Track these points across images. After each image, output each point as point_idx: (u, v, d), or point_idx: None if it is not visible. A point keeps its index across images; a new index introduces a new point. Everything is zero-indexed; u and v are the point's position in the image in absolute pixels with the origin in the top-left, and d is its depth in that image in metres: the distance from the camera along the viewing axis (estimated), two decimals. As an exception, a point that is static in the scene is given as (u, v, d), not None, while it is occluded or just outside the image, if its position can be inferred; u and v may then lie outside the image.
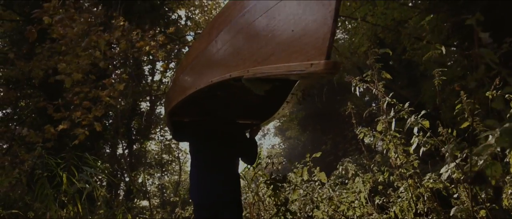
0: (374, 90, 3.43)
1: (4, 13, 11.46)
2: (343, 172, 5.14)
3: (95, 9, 11.94)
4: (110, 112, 13.37)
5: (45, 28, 6.40)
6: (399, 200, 3.79)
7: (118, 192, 15.87)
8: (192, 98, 2.66)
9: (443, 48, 3.40)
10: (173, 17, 15.93)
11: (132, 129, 17.54)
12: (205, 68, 2.66)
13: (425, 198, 3.37)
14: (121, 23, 6.26)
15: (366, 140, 3.77)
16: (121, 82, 6.28)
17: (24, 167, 5.17)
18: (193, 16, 16.80)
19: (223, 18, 2.55)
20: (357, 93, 3.48)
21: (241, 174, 4.49)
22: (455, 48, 11.50)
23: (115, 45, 6.85)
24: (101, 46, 5.85)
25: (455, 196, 3.31)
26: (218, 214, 2.90)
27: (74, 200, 4.42)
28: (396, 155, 3.41)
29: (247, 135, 3.41)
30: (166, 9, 15.00)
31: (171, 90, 3.57)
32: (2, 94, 8.57)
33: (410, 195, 3.51)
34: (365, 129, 3.69)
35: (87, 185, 4.37)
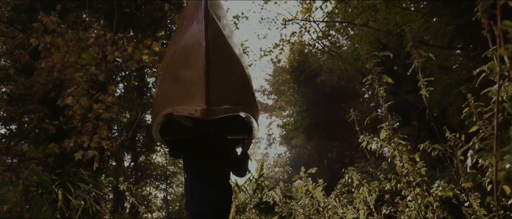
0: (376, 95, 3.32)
1: (7, 30, 11.53)
2: (350, 180, 5.01)
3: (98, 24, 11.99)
4: (115, 126, 13.33)
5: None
6: (407, 209, 3.64)
7: (125, 205, 15.76)
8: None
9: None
10: (175, 28, 15.93)
11: (137, 141, 17.49)
12: (162, 95, 3.05)
13: (434, 207, 3.23)
14: (102, 32, 6.20)
15: (373, 146, 3.65)
16: (110, 95, 6.21)
17: (20, 183, 5.12)
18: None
19: (165, 58, 2.97)
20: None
21: (242, 186, 4.45)
22: (459, 51, 11.37)
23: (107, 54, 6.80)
24: (88, 61, 5.79)
25: (467, 204, 3.17)
26: None
27: (71, 217, 4.35)
28: (402, 163, 3.28)
29: (240, 148, 3.63)
30: (168, 21, 15.03)
31: (154, 103, 3.74)
32: (2, 110, 8.55)
33: (418, 204, 3.36)
34: (368, 137, 3.57)
35: (82, 202, 4.31)
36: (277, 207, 4.00)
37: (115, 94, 6.85)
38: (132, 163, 18.11)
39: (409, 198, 3.57)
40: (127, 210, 15.03)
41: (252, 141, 3.67)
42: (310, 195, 4.73)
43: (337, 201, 5.59)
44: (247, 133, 3.57)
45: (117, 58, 6.70)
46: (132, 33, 6.58)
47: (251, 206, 4.30)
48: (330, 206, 4.49)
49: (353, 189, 4.96)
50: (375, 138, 3.64)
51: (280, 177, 26.21)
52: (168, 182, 19.29)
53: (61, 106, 6.05)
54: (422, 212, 3.34)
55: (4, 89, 12.29)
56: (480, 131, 3.05)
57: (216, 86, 1.95)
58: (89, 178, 5.03)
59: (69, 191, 4.68)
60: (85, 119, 6.13)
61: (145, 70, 14.57)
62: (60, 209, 4.46)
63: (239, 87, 2.60)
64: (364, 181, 4.48)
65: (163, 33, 9.14)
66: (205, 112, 1.88)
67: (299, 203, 4.51)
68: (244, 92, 2.73)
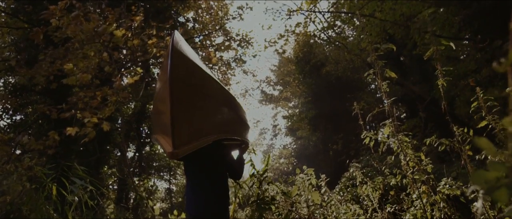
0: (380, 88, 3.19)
1: (11, 21, 11.48)
2: (354, 174, 4.92)
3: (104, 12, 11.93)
4: (119, 116, 13.31)
5: (49, 35, 6.33)
6: (412, 208, 3.53)
7: (129, 195, 15.84)
8: None
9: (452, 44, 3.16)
10: (180, 19, 15.84)
11: (142, 132, 17.51)
12: (153, 114, 3.39)
13: (441, 205, 3.11)
14: (141, 15, 6.28)
15: (378, 138, 3.55)
16: (134, 76, 6.27)
17: (15, 176, 5.13)
18: (200, 18, 16.69)
19: (156, 87, 3.33)
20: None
21: (242, 183, 4.42)
22: (467, 42, 11.17)
23: (123, 48, 6.79)
24: (118, 39, 5.86)
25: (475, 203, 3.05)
26: None
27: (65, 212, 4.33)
28: (406, 160, 3.16)
29: (237, 152, 3.80)
30: (173, 12, 14.91)
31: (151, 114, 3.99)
32: (5, 101, 8.55)
33: (423, 203, 3.24)
34: (371, 133, 3.46)
35: (76, 198, 4.28)
36: (276, 204, 3.93)
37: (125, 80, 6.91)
38: (137, 154, 18.16)
39: (414, 196, 3.46)
40: (131, 201, 15.10)
41: (248, 147, 3.94)
42: (313, 189, 4.65)
43: (341, 195, 5.50)
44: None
45: (124, 50, 6.72)
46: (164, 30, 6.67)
47: (252, 200, 4.25)
48: (333, 202, 4.41)
49: (357, 184, 4.86)
50: (380, 130, 3.53)
51: (285, 168, 26.17)
52: (172, 173, 19.34)
53: (55, 87, 6.04)
54: (429, 211, 3.22)
55: (10, 80, 12.29)
56: (489, 126, 2.94)
57: (184, 129, 2.39)
58: (84, 173, 4.99)
59: (64, 185, 4.66)
60: (89, 93, 6.13)
61: (151, 61, 14.54)
62: (54, 204, 4.46)
63: (218, 118, 3.09)
64: (368, 176, 4.38)
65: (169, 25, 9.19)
66: (170, 155, 2.30)
67: (301, 198, 4.44)
68: (224, 120, 3.22)
